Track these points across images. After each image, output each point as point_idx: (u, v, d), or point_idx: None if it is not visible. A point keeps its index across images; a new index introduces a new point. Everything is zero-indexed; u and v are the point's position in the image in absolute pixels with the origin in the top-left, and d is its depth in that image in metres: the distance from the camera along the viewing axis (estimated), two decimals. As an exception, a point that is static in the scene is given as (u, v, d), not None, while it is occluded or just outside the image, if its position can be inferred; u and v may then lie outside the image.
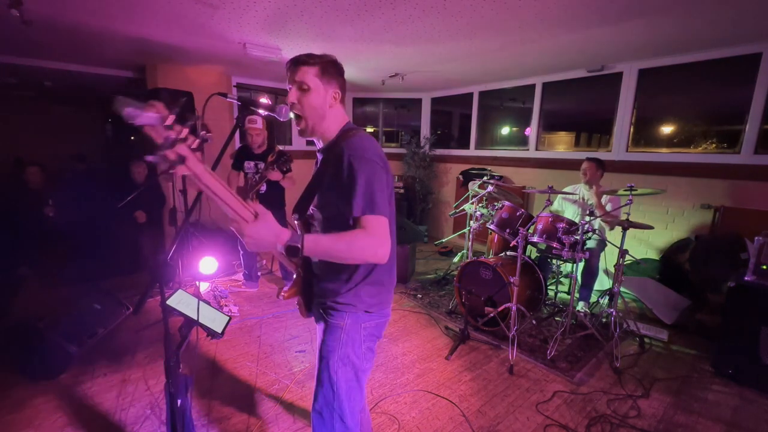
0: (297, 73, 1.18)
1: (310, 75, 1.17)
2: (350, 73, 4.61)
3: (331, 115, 1.22)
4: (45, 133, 7.30)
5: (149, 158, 0.81)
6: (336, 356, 1.21)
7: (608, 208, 3.24)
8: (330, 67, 1.20)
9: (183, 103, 0.82)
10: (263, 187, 3.41)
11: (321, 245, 1.03)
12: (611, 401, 2.27)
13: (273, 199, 3.50)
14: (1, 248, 3.54)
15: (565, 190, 3.57)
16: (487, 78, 4.96)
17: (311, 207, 1.24)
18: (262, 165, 3.42)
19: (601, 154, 4.10)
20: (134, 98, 0.76)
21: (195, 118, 0.84)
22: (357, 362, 1.23)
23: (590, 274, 3.32)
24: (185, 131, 0.82)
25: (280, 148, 3.50)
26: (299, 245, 0.98)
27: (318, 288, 1.28)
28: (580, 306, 3.38)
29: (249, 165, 3.48)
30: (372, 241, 1.04)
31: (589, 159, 3.42)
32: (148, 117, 0.77)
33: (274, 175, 3.25)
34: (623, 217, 2.82)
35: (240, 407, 2.14)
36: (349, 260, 1.08)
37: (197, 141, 0.85)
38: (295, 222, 1.29)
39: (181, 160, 0.82)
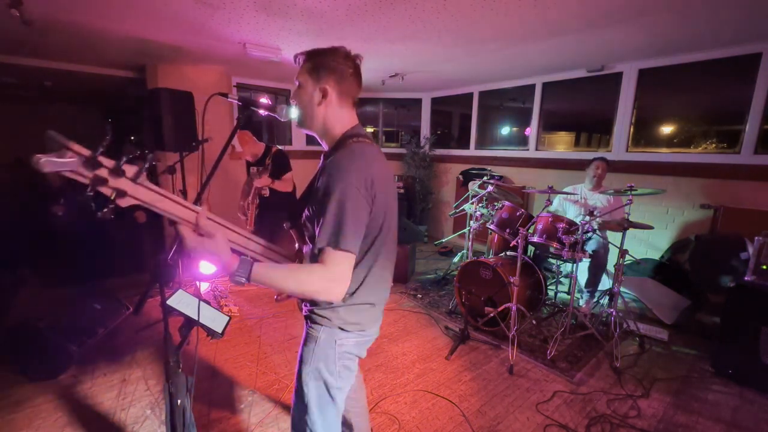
0: (298, 71, 1.14)
1: (302, 71, 1.12)
2: (350, 73, 4.60)
3: (324, 114, 1.12)
4: (45, 133, 7.30)
5: (79, 199, 0.73)
6: (307, 368, 1.16)
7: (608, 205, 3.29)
8: (323, 61, 1.10)
9: (108, 136, 0.74)
10: (266, 192, 3.39)
11: (269, 280, 0.95)
12: (611, 401, 2.27)
13: (277, 204, 3.41)
14: (8, 246, 3.55)
15: (565, 190, 3.57)
16: (487, 78, 4.96)
17: (303, 218, 1.18)
18: (260, 168, 3.42)
19: (602, 154, 4.10)
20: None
21: (132, 150, 0.78)
22: (329, 379, 1.15)
23: (599, 266, 3.27)
24: (119, 164, 0.76)
25: (279, 147, 3.49)
26: (243, 280, 0.92)
27: None
28: (584, 300, 3.37)
29: (253, 171, 3.49)
30: (327, 282, 0.97)
31: (602, 159, 3.47)
32: (61, 163, 0.69)
33: (262, 181, 3.23)
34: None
35: (240, 407, 2.14)
36: (301, 297, 1.01)
37: (136, 169, 0.79)
38: (288, 229, 1.25)
39: (120, 194, 0.77)
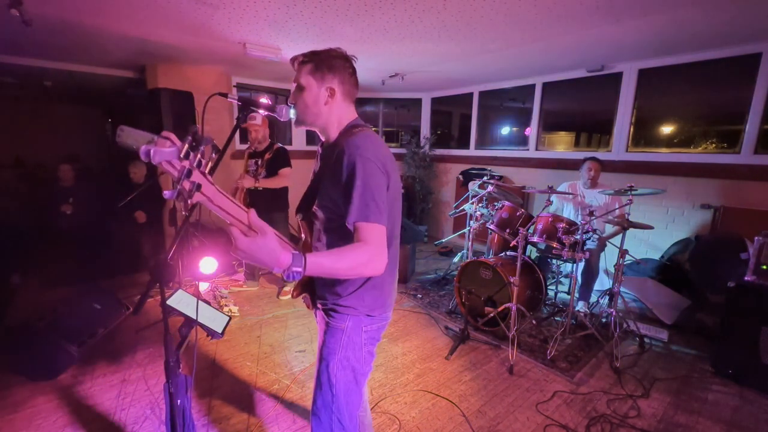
0: (296, 73, 1.18)
1: (303, 73, 1.15)
2: (350, 73, 4.60)
3: (329, 112, 1.17)
4: (45, 133, 7.30)
5: (167, 194, 0.77)
6: (336, 359, 1.19)
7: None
8: (325, 62, 1.15)
9: (194, 130, 0.78)
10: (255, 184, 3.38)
11: (323, 266, 0.99)
12: (611, 401, 2.27)
13: (268, 199, 3.41)
14: (8, 246, 3.56)
15: (561, 187, 3.57)
16: (487, 78, 4.96)
17: (314, 206, 1.22)
18: (259, 161, 3.42)
19: (601, 154, 4.10)
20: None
21: (207, 140, 0.80)
22: (357, 366, 1.21)
23: (590, 273, 3.33)
24: (198, 157, 0.79)
25: (280, 144, 3.49)
26: (301, 270, 0.94)
27: (320, 289, 1.25)
28: (580, 306, 3.38)
29: (251, 163, 3.48)
30: (372, 256, 1.02)
31: (595, 159, 3.44)
32: (166, 153, 0.74)
33: (246, 182, 3.24)
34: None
35: (240, 407, 2.14)
36: (349, 277, 1.07)
37: (207, 164, 0.82)
38: (299, 221, 1.27)
39: (197, 187, 0.79)
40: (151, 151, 0.71)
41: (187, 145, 0.77)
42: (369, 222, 1.02)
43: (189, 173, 0.77)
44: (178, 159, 0.76)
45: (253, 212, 0.93)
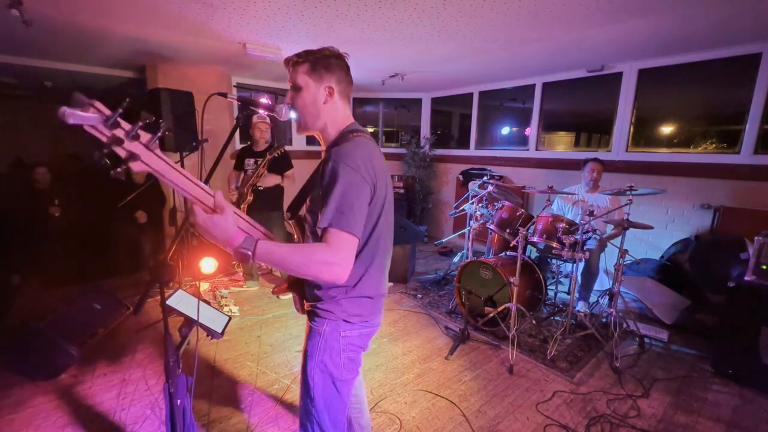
0: (291, 74, 1.17)
1: (300, 73, 1.14)
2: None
3: (327, 111, 1.17)
4: (45, 133, 7.30)
5: (94, 157, 0.78)
6: (313, 362, 1.18)
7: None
8: (322, 61, 1.14)
9: (127, 103, 0.81)
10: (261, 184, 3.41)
11: (274, 255, 0.97)
12: (611, 401, 2.27)
13: (268, 199, 3.46)
14: (6, 249, 3.55)
15: (564, 191, 3.57)
16: (487, 78, 4.96)
17: (303, 210, 1.22)
18: (260, 160, 3.43)
19: (601, 154, 4.10)
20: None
21: (148, 116, 0.83)
22: (334, 371, 1.18)
23: (589, 274, 3.32)
24: (135, 128, 0.81)
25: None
26: (249, 252, 0.94)
27: (307, 290, 1.25)
28: (580, 306, 3.38)
29: (249, 162, 3.49)
30: (331, 259, 0.97)
31: (597, 160, 3.42)
32: (84, 117, 0.74)
33: (271, 180, 3.33)
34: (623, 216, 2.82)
35: (240, 407, 2.14)
36: (304, 276, 1.02)
37: (150, 137, 0.84)
38: (289, 222, 1.28)
39: (133, 157, 0.81)
40: (66, 112, 0.72)
41: (118, 115, 0.78)
42: (340, 229, 0.99)
43: (119, 141, 0.79)
44: (105, 126, 0.78)
45: (219, 194, 0.96)
